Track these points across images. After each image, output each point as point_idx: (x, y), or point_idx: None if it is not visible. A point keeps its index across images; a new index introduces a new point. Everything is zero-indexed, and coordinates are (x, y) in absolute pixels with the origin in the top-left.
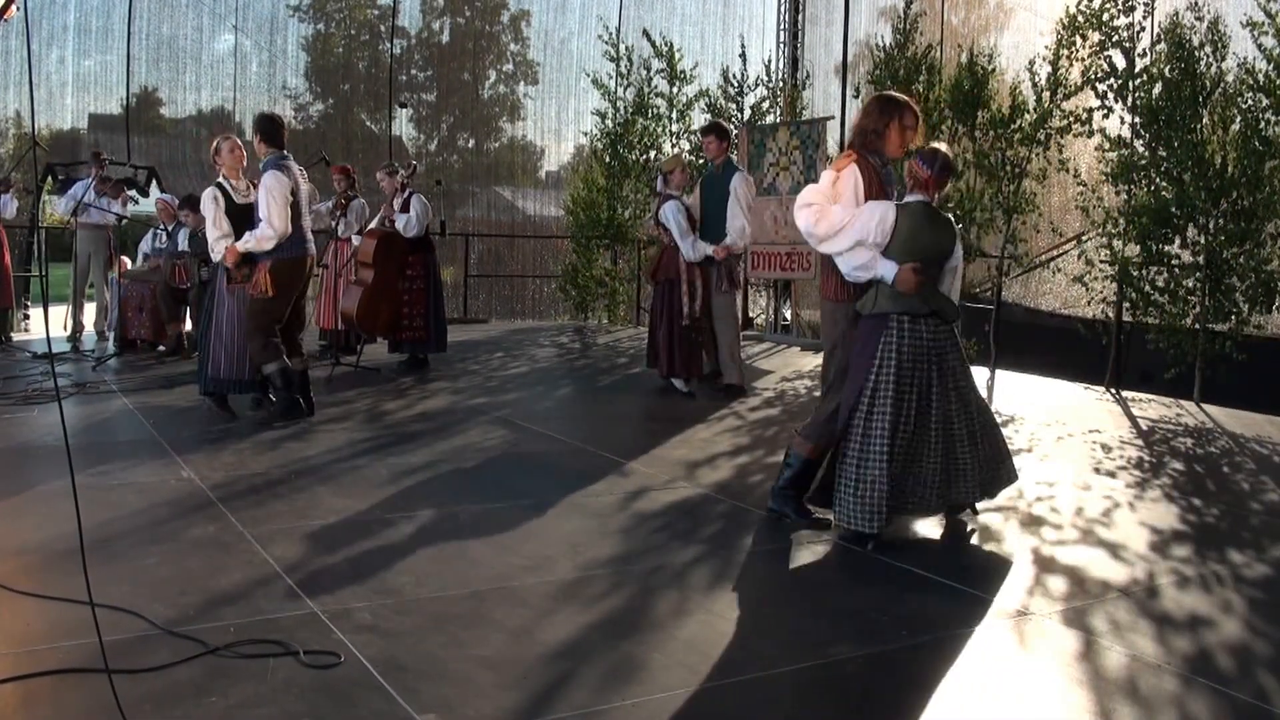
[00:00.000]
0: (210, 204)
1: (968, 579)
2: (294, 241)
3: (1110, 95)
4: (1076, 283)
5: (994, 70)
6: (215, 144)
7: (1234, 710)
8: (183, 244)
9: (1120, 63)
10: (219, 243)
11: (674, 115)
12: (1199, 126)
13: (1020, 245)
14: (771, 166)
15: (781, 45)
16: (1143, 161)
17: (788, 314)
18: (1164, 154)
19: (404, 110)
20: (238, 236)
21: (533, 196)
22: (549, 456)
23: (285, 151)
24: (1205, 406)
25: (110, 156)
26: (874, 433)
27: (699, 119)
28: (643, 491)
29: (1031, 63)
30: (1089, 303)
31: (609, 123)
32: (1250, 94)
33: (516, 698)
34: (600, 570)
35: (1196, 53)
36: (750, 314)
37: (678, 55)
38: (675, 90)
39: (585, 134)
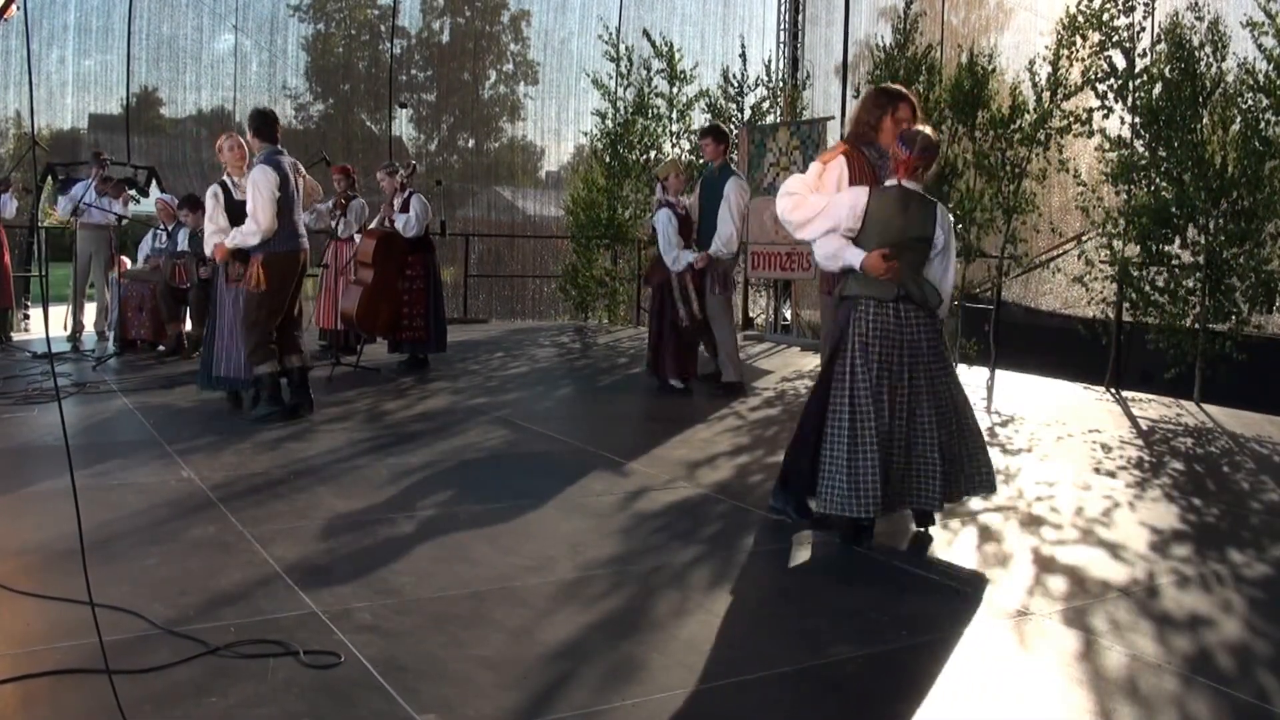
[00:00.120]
0: (210, 200)
1: (968, 579)
2: (284, 236)
3: (1110, 95)
4: (1076, 283)
5: (994, 70)
6: (219, 142)
7: (1234, 710)
8: (183, 244)
9: (1120, 63)
10: (212, 238)
11: (674, 115)
12: (1199, 127)
13: (1020, 245)
14: (772, 167)
15: (781, 45)
16: (1143, 162)
17: (788, 314)
18: (1164, 154)
19: (404, 110)
20: None
21: (533, 196)
22: (549, 456)
23: (279, 146)
24: (1205, 406)
25: (110, 157)
26: (858, 417)
27: (699, 119)
28: (643, 491)
29: (1031, 63)
30: (1089, 303)
31: (609, 123)
32: (1250, 94)
33: (516, 698)
34: (600, 570)
35: (1196, 53)
36: (750, 314)
37: (678, 55)
38: (675, 90)
39: (585, 134)
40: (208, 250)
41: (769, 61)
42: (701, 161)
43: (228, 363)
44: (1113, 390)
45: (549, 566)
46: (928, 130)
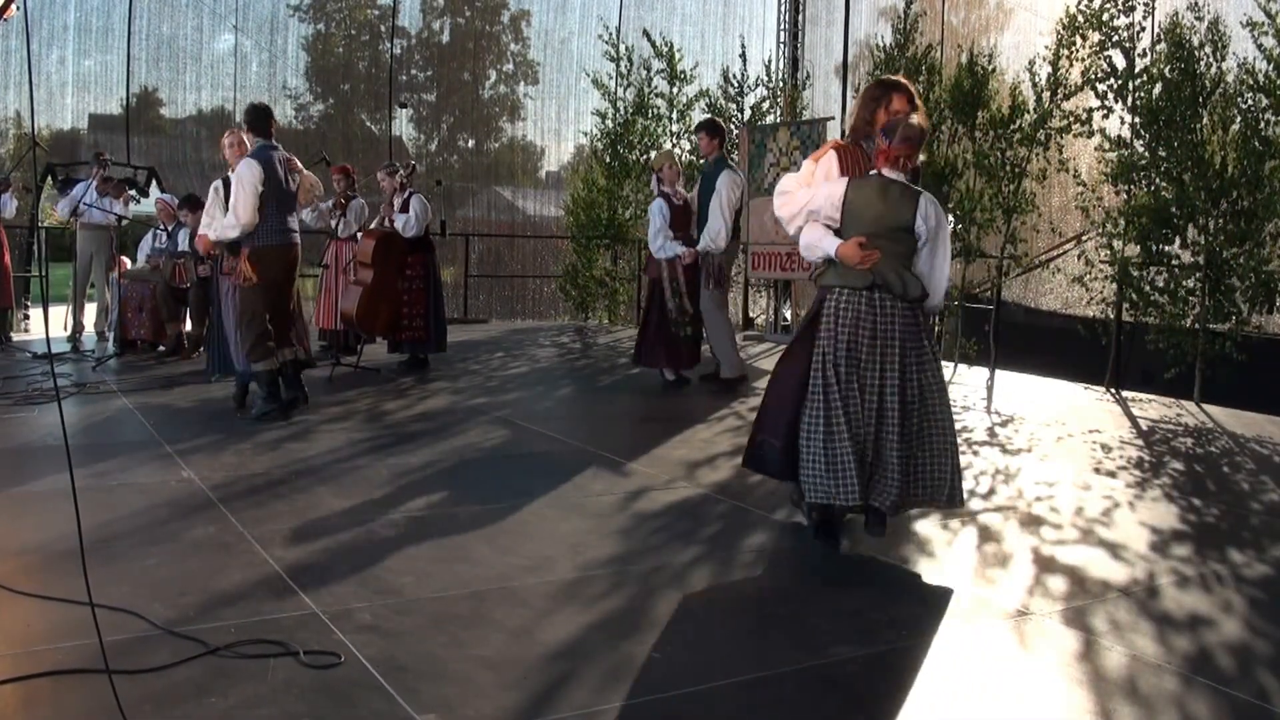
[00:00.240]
0: (212, 193)
1: (967, 579)
2: (272, 230)
3: (1110, 95)
4: (1076, 283)
5: (994, 70)
6: (223, 139)
7: (1234, 710)
8: (183, 244)
9: (1120, 63)
10: (203, 229)
11: (674, 115)
12: (1199, 127)
13: (1020, 245)
14: (772, 167)
15: (781, 45)
16: (1142, 162)
17: (788, 314)
18: (1164, 154)
19: (404, 110)
20: None
21: (533, 196)
22: (549, 456)
23: (274, 142)
24: (1205, 406)
25: (111, 157)
26: (831, 406)
27: (699, 119)
28: (643, 491)
29: (1031, 63)
30: (1089, 303)
31: (609, 123)
32: (1250, 94)
33: (516, 698)
34: (600, 570)
35: (1196, 53)
36: (751, 314)
37: (678, 55)
38: (675, 90)
39: (585, 134)
40: (197, 242)
41: (769, 61)
42: (700, 161)
43: (225, 360)
44: (1113, 390)
45: (549, 566)
46: (916, 119)
